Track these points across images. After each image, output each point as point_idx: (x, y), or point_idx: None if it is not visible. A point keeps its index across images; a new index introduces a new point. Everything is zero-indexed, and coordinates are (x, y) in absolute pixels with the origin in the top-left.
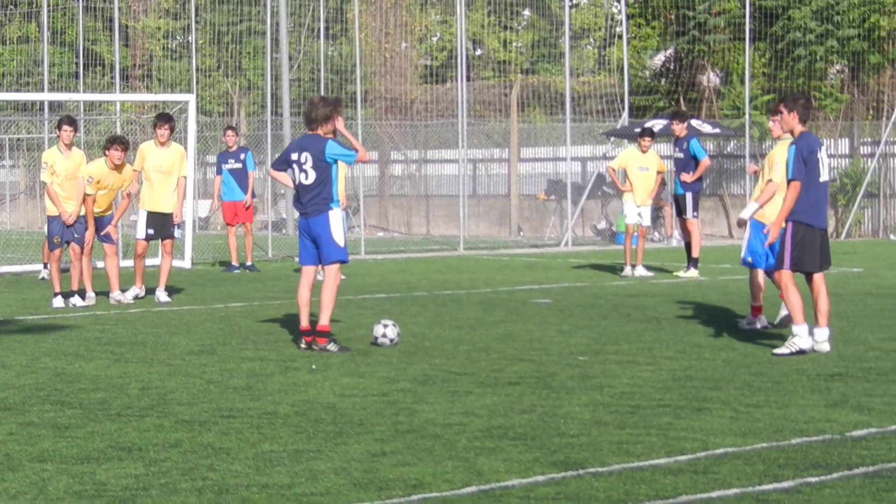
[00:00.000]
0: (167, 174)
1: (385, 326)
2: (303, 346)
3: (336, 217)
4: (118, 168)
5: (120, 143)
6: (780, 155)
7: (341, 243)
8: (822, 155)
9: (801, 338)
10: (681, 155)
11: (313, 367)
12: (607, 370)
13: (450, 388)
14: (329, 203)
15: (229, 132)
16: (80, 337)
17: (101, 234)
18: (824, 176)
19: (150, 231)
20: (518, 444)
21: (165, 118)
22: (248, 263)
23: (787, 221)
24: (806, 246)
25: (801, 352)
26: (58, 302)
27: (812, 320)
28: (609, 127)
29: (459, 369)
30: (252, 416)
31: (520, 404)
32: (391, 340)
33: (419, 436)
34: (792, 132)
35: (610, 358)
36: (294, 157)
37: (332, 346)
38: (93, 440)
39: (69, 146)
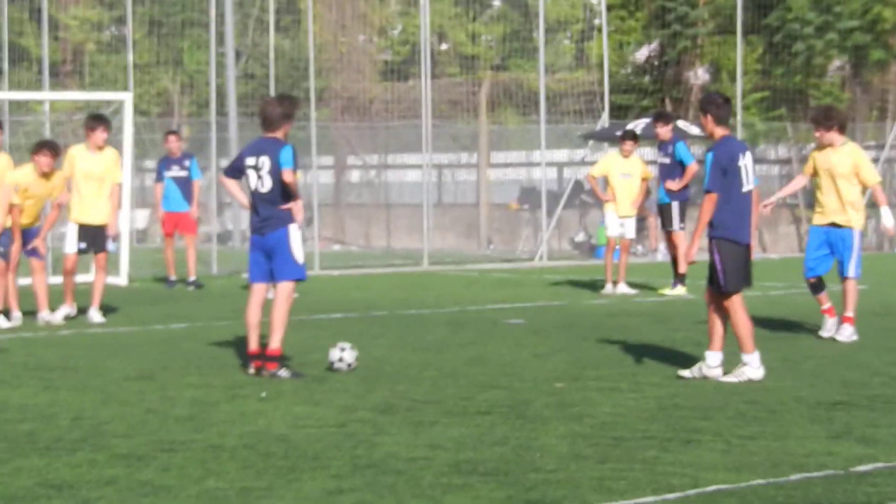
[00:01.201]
0: (100, 181)
1: (342, 350)
2: (251, 371)
3: (295, 232)
4: (47, 175)
5: (49, 147)
6: (842, 161)
7: (300, 260)
8: (746, 161)
9: (751, 367)
10: (666, 160)
11: (263, 394)
12: (587, 398)
13: (414, 418)
14: (288, 216)
15: (171, 137)
16: (5, 361)
17: (28, 248)
18: (748, 185)
19: (82, 245)
20: (489, 480)
21: (102, 120)
22: (192, 279)
23: (710, 239)
24: (734, 264)
25: (751, 381)
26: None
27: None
28: (588, 129)
29: (424, 397)
30: (196, 449)
31: (491, 436)
32: (349, 365)
33: (380, 471)
34: (712, 136)
35: (590, 384)
36: (250, 161)
37: (283, 372)
38: (19, 477)
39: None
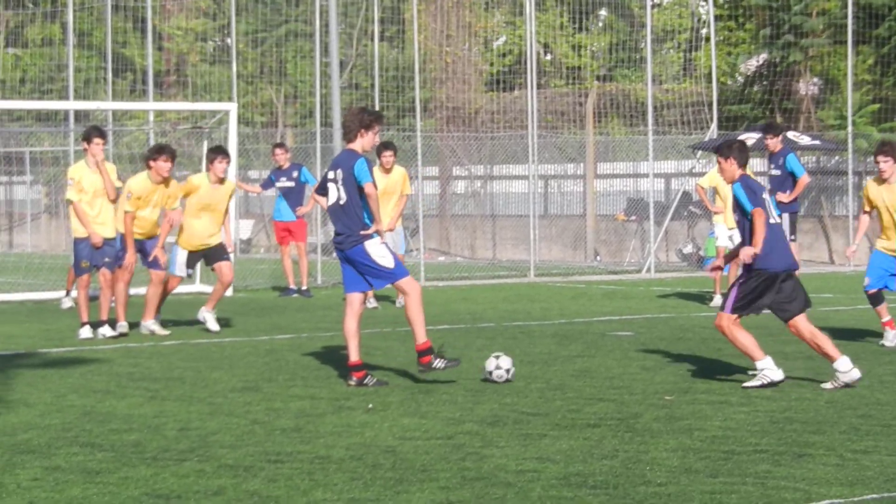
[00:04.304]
0: (213, 212)
1: (497, 358)
2: (352, 382)
3: (373, 245)
4: (165, 181)
5: (167, 152)
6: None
7: (391, 265)
8: (766, 196)
9: (768, 370)
10: (776, 172)
11: (370, 406)
12: (697, 411)
13: (522, 431)
14: (361, 228)
15: (278, 150)
16: (111, 372)
17: (150, 259)
18: (774, 218)
19: (190, 271)
20: (599, 493)
21: (224, 152)
22: (304, 288)
23: (745, 265)
24: (750, 290)
25: (773, 383)
26: (85, 332)
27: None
28: (695, 140)
29: (532, 409)
30: (302, 460)
31: (600, 449)
32: (507, 371)
33: (489, 484)
34: (732, 180)
35: (700, 398)
36: (330, 175)
37: (438, 363)
38: (126, 487)
39: (100, 158)
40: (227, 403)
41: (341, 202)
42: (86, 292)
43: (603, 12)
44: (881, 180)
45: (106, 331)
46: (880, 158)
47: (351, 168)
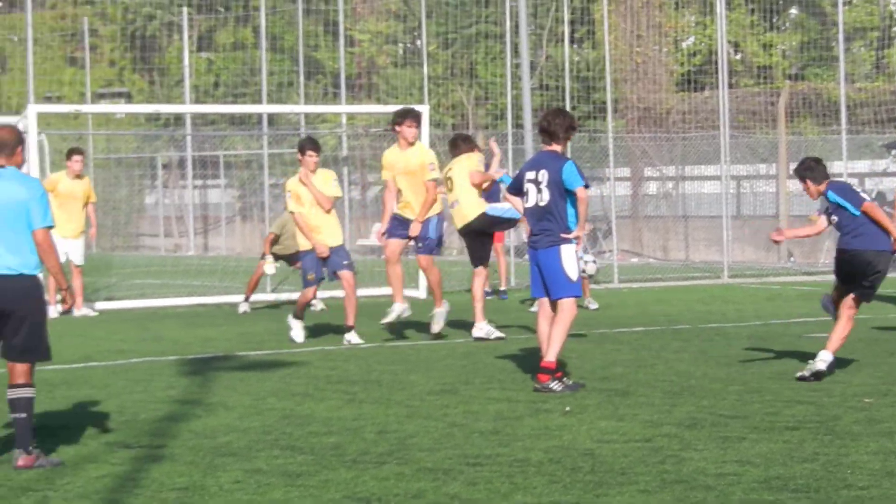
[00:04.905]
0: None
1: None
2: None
3: (569, 251)
4: (411, 145)
5: (413, 115)
6: None
7: (574, 277)
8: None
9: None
10: None
11: (567, 408)
12: None
13: (720, 434)
14: (563, 231)
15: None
16: (309, 375)
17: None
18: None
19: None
20: (801, 496)
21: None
22: (501, 289)
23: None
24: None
25: None
26: (298, 335)
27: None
28: (889, 139)
29: (730, 412)
30: (502, 463)
31: (800, 452)
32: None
33: (689, 487)
34: (821, 194)
35: None
36: (530, 175)
37: (555, 385)
38: (328, 489)
39: (312, 171)
40: (425, 406)
41: (541, 203)
42: (305, 303)
43: (793, 10)
44: None
45: (352, 337)
46: None
47: (558, 170)
